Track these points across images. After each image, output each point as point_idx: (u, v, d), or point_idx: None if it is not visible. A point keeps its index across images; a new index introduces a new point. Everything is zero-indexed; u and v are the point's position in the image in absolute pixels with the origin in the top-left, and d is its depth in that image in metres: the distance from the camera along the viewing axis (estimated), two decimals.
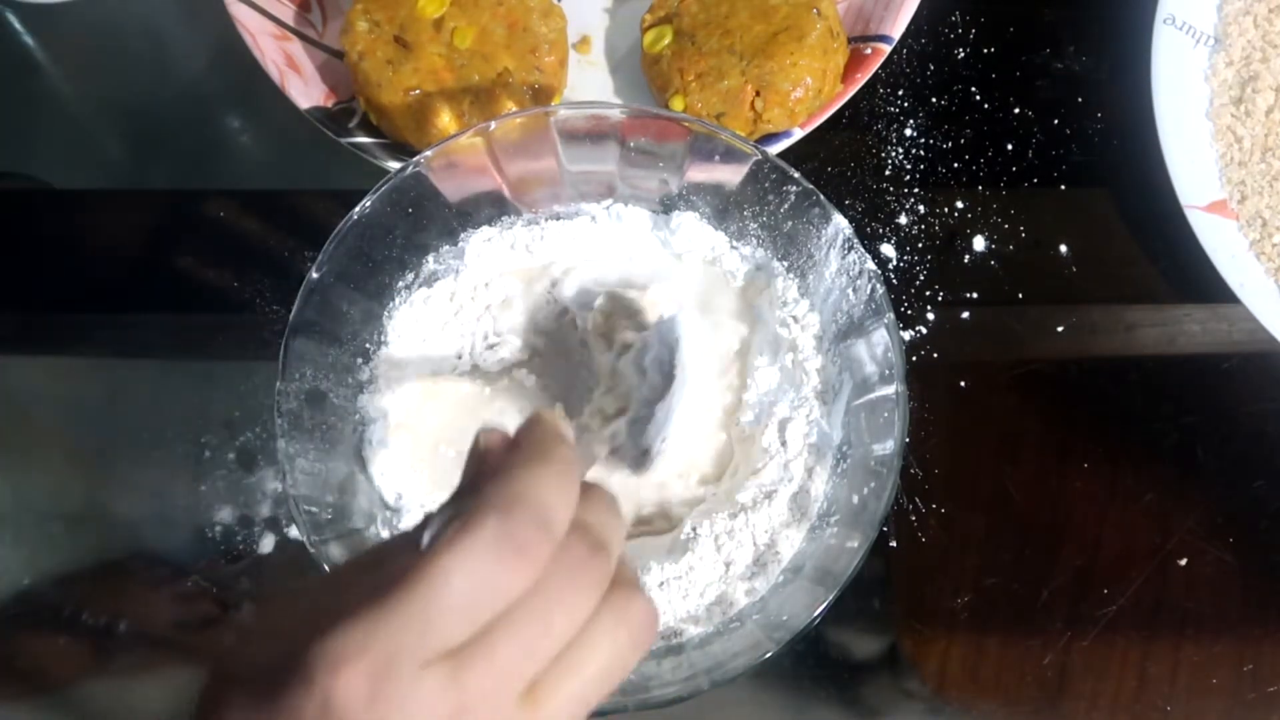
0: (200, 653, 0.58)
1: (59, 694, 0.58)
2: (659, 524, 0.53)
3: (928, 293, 0.62)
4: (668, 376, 0.45)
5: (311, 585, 0.33)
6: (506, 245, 0.55)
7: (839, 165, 0.64)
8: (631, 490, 0.52)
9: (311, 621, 0.29)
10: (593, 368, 0.53)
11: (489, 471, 0.32)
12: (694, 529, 0.51)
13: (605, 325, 0.52)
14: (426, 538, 0.30)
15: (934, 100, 0.65)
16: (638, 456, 0.45)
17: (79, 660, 0.58)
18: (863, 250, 0.50)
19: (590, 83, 0.65)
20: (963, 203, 0.63)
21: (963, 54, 0.66)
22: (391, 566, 0.30)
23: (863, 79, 0.61)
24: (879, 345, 0.50)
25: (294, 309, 0.49)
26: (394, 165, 0.59)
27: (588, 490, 0.34)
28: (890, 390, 0.49)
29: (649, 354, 0.46)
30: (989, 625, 0.59)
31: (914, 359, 0.61)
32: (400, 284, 0.54)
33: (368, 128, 0.61)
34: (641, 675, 0.47)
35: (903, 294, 0.62)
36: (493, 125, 0.49)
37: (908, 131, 0.64)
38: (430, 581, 0.29)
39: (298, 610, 0.32)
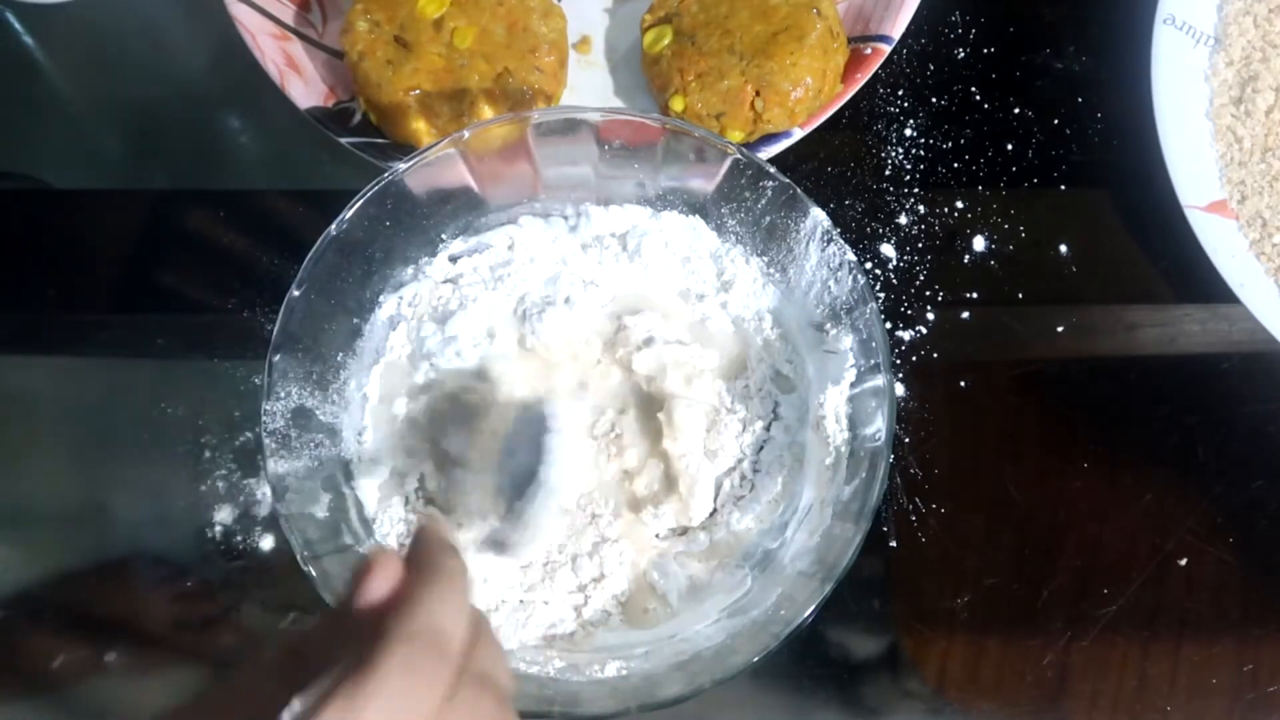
0: (200, 653, 0.58)
1: (59, 694, 0.58)
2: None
3: (928, 293, 0.62)
4: (530, 475, 0.47)
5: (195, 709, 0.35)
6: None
7: (839, 165, 0.64)
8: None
9: None
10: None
11: (389, 600, 0.33)
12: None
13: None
14: (321, 686, 0.30)
15: (934, 100, 0.65)
16: (498, 546, 0.48)
17: (79, 660, 0.57)
18: (842, 242, 0.50)
19: (590, 83, 0.65)
20: (963, 203, 0.63)
21: (963, 54, 0.66)
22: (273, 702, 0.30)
23: (863, 79, 0.61)
24: (864, 336, 0.50)
25: (276, 326, 0.48)
26: (394, 165, 0.59)
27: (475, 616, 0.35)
28: (878, 381, 0.49)
29: (517, 445, 0.48)
30: (989, 625, 0.59)
31: (914, 359, 0.61)
32: (381, 297, 0.54)
33: (367, 128, 0.61)
34: (645, 678, 0.47)
35: (903, 294, 0.62)
36: (466, 134, 0.48)
37: (908, 131, 0.64)
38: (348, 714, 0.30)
39: None
